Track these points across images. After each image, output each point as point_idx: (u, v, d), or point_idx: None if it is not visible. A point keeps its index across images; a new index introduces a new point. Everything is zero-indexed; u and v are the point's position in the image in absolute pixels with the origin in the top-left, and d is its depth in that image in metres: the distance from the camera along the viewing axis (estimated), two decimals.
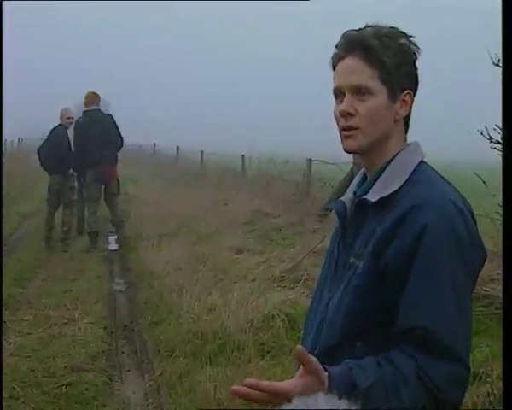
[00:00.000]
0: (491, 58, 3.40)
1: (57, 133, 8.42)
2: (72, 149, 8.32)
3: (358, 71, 1.30)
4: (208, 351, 4.33)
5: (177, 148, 22.04)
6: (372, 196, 1.31)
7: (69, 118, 8.47)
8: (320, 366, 1.16)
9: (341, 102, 1.32)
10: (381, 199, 1.30)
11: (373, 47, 1.29)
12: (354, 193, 1.41)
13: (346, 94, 1.31)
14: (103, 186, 8.31)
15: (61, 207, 8.51)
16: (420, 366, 1.20)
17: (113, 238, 9.20)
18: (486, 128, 3.81)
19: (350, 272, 1.33)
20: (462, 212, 1.26)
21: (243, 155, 14.95)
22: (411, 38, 1.33)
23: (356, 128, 1.31)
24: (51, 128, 8.56)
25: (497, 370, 3.33)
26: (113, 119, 8.26)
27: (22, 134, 32.43)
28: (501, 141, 3.72)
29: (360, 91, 1.30)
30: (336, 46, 1.35)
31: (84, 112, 8.24)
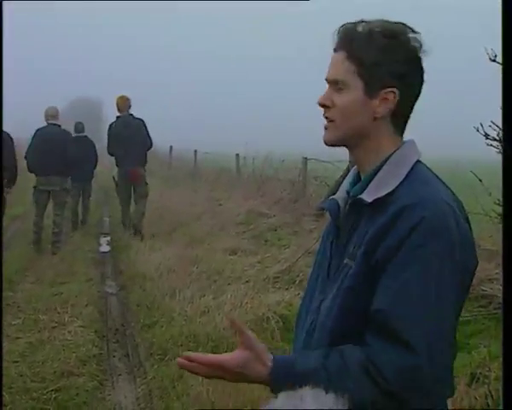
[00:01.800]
0: (487, 54, 3.36)
1: (47, 133, 8.07)
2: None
3: (338, 64, 1.32)
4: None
5: (171, 147, 21.97)
6: (367, 197, 1.29)
7: (54, 117, 8.17)
8: (256, 344, 1.20)
9: None
10: (376, 200, 1.27)
11: (354, 41, 1.29)
12: (347, 192, 1.39)
13: (327, 86, 1.33)
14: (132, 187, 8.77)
15: (49, 208, 8.28)
16: (370, 354, 1.19)
17: (104, 240, 9.12)
18: (482, 125, 3.77)
19: (343, 273, 1.30)
20: (453, 210, 1.25)
21: (237, 155, 14.90)
22: (411, 35, 1.28)
23: (332, 120, 1.32)
24: (37, 128, 8.26)
25: (495, 371, 3.27)
26: (143, 123, 8.75)
27: (16, 134, 32.08)
28: (497, 138, 3.69)
29: (337, 84, 1.31)
30: None
31: (118, 117, 8.74)
